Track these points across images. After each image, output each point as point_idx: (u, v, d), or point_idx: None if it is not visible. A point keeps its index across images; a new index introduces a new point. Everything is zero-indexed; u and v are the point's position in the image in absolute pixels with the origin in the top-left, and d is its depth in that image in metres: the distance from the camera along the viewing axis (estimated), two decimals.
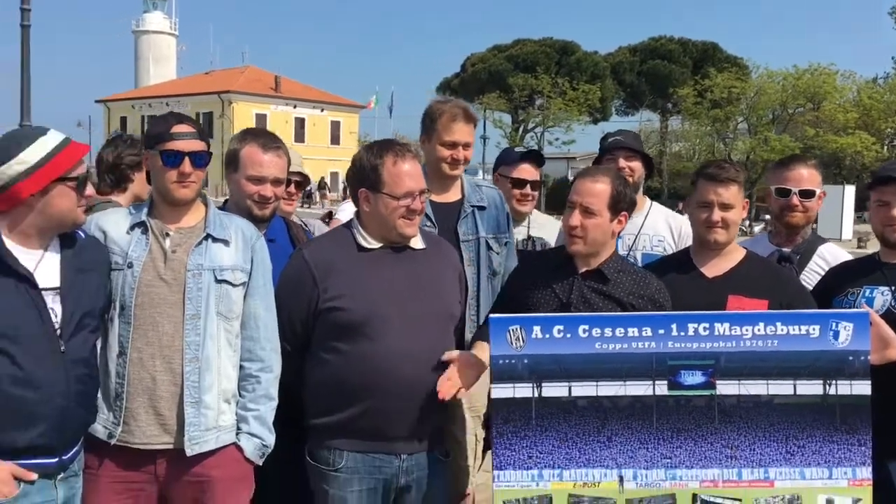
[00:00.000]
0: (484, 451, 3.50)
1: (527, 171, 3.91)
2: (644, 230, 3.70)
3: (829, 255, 3.28)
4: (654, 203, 3.86)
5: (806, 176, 3.35)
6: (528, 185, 3.90)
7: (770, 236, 3.49)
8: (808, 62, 45.39)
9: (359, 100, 70.90)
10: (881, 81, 50.54)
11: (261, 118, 63.03)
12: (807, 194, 3.32)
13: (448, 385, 2.67)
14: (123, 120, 67.78)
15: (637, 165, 3.71)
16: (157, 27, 78.07)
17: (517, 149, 4.17)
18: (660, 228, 3.72)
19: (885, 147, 44.95)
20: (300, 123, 65.35)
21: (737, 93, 45.96)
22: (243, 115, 61.74)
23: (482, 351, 2.78)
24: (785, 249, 3.34)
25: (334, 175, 59.05)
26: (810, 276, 3.20)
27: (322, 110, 67.23)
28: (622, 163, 3.66)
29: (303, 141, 61.75)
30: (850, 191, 31.55)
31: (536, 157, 4.00)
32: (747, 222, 32.61)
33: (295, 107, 65.30)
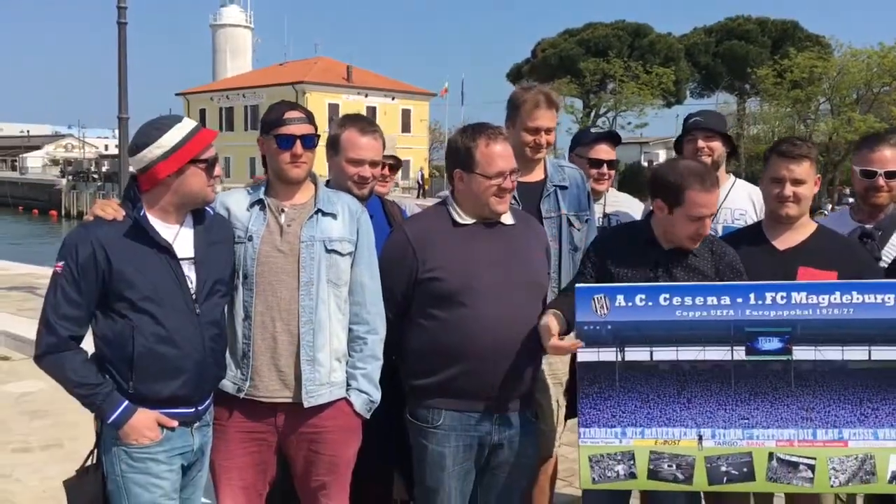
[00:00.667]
0: (566, 418, 3.71)
1: (603, 150, 4.06)
2: (726, 204, 3.80)
3: None
4: (739, 180, 3.97)
5: (890, 157, 3.40)
6: (605, 165, 4.06)
7: (852, 213, 3.58)
8: (894, 39, 43.68)
9: (429, 87, 71.29)
10: None
11: (333, 108, 63.97)
12: (892, 175, 3.39)
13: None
14: (202, 112, 69.70)
15: (717, 145, 3.82)
16: (234, 20, 79.95)
17: (593, 129, 4.33)
18: (742, 202, 3.82)
19: None
20: (371, 112, 65.94)
21: (818, 72, 44.49)
22: (317, 106, 62.69)
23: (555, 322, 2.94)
24: (868, 226, 3.43)
25: (406, 163, 59.62)
26: (893, 251, 3.29)
27: (393, 98, 67.79)
28: (701, 143, 3.78)
29: None
30: None
31: (613, 137, 4.16)
32: (829, 206, 31.68)
33: (366, 96, 66.01)
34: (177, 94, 73.82)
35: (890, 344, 2.69)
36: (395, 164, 3.86)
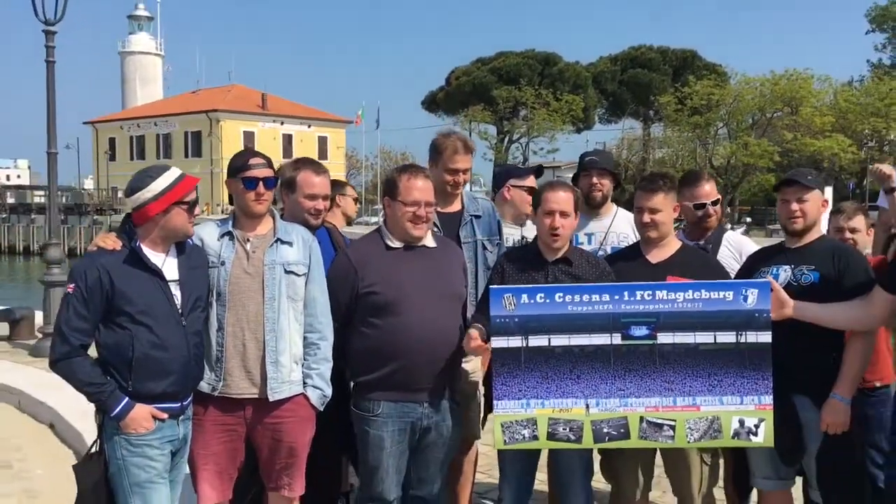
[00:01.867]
0: (486, 410, 4.37)
1: (534, 182, 4.70)
2: (612, 230, 4.56)
3: (733, 240, 4.25)
4: (621, 209, 4.73)
5: (710, 190, 4.32)
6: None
7: (684, 234, 4.37)
8: (785, 68, 46.54)
9: (345, 115, 71.63)
10: (857, 84, 51.88)
11: (249, 136, 63.79)
12: (715, 202, 4.31)
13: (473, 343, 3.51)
14: (112, 141, 68.42)
15: (607, 181, 4.58)
16: (143, 48, 78.74)
17: (521, 165, 5.10)
18: (625, 227, 4.57)
19: (863, 149, 45.96)
20: (287, 140, 66.07)
21: (716, 99, 46.97)
22: (231, 134, 62.50)
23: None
24: (700, 242, 4.27)
25: None
26: (723, 259, 4.12)
27: (309, 126, 67.98)
28: (595, 179, 4.53)
29: (291, 157, 61.87)
30: (828, 191, 32.70)
31: (539, 170, 4.89)
32: (729, 225, 33.56)
33: (282, 123, 66.04)
34: (84, 123, 72.23)
35: (730, 330, 3.43)
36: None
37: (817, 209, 3.65)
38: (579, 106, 53.75)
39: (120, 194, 57.60)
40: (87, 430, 3.49)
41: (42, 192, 58.55)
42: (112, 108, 79.06)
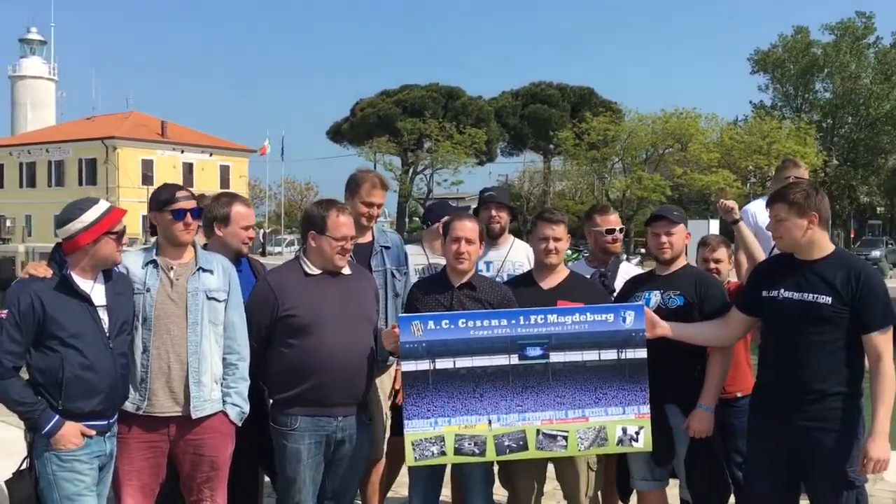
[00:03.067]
0: (393, 429, 4.67)
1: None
2: (508, 258, 5.01)
3: (629, 270, 4.75)
4: (517, 240, 5.18)
5: (616, 220, 4.89)
6: None
7: (587, 262, 4.92)
8: (675, 106, 48.93)
9: (248, 144, 70.79)
10: (741, 123, 55.01)
11: (147, 164, 62.17)
12: (621, 230, 4.84)
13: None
14: (0, 167, 65.55)
15: (504, 214, 5.05)
16: (36, 72, 76.00)
17: (452, 204, 5.53)
18: (520, 257, 5.03)
19: (747, 184, 48.56)
20: (188, 168, 64.73)
21: (612, 135, 48.82)
22: (129, 161, 60.80)
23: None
24: (602, 269, 4.78)
25: None
26: (620, 283, 4.60)
27: (211, 155, 66.77)
28: (493, 212, 5.00)
29: (192, 186, 60.25)
30: (714, 224, 34.42)
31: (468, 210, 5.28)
32: (624, 255, 35.12)
33: (182, 152, 64.65)
34: None
35: (612, 348, 3.88)
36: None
37: (682, 241, 4.17)
38: (482, 139, 54.78)
39: (9, 223, 55.16)
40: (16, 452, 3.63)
41: None
42: (1, 134, 75.77)
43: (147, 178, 58.73)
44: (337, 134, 65.33)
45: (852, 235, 52.91)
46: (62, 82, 79.85)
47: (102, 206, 3.46)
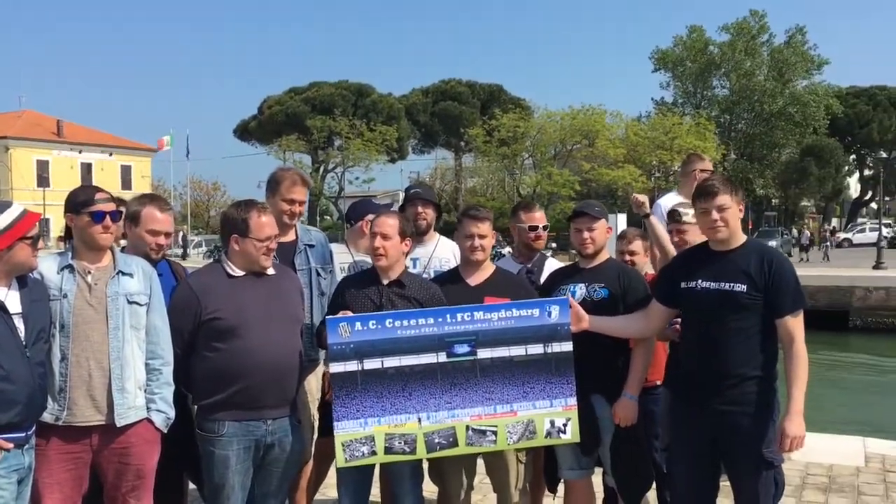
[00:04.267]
0: (320, 430, 4.64)
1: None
2: (434, 255, 5.03)
3: (553, 265, 4.84)
4: (443, 237, 5.21)
5: (541, 216, 4.95)
6: None
7: (513, 257, 5.01)
8: (581, 103, 49.97)
9: (151, 143, 68.73)
10: (644, 120, 56.64)
11: (42, 164, 59.70)
12: (545, 227, 4.92)
13: None
14: None
15: (430, 211, 5.05)
16: None
17: (375, 202, 5.46)
18: (446, 253, 5.06)
19: (652, 178, 50.02)
20: (87, 168, 62.45)
21: (521, 131, 49.50)
22: (23, 162, 58.25)
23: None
24: (528, 265, 4.86)
25: None
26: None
27: (111, 154, 64.60)
28: (420, 209, 4.99)
29: None
30: (622, 218, 35.36)
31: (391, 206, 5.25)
32: (550, 251, 35.65)
33: (80, 152, 62.33)
34: None
35: (538, 342, 3.95)
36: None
37: (604, 235, 4.28)
38: (393, 136, 54.75)
39: None
40: None
41: None
42: None
43: (43, 180, 56.40)
44: (244, 132, 64.23)
45: (750, 227, 55.22)
46: None
47: (16, 209, 3.31)
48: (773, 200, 64.73)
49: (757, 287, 3.61)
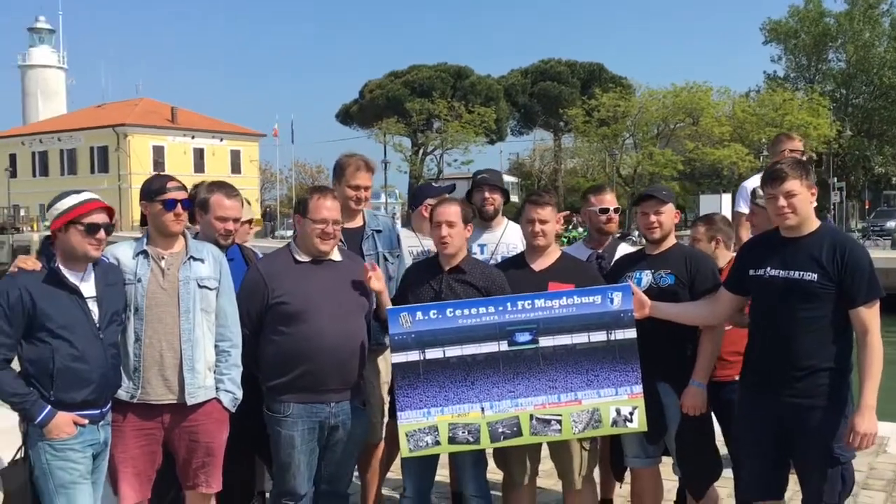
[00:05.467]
0: (390, 413, 4.71)
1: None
2: (502, 240, 5.00)
3: (625, 250, 4.72)
4: (511, 222, 5.16)
5: (612, 199, 4.85)
6: None
7: (585, 243, 4.92)
8: (685, 80, 48.46)
9: (258, 128, 70.85)
10: (753, 95, 54.50)
11: (158, 150, 62.30)
12: (616, 210, 4.82)
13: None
14: (13, 157, 65.68)
15: (497, 196, 5.00)
16: (45, 61, 75.99)
17: (435, 185, 5.49)
18: (514, 239, 5.00)
19: (760, 157, 48.21)
20: (199, 154, 64.82)
21: (622, 111, 48.54)
22: (140, 148, 60.96)
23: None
24: (599, 251, 4.78)
25: None
26: None
27: (221, 140, 66.72)
28: (487, 194, 4.96)
29: (203, 171, 61.06)
30: (726, 198, 34.22)
31: (453, 190, 5.24)
32: (636, 231, 34.93)
33: (193, 137, 64.65)
34: None
35: (600, 329, 3.87)
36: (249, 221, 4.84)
37: (671, 220, 4.16)
38: (491, 118, 54.60)
39: (23, 212, 55.55)
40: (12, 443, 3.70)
41: None
42: (12, 124, 76.07)
43: (158, 165, 58.94)
44: (346, 116, 65.31)
45: (867, 207, 52.46)
46: (72, 70, 79.91)
47: (82, 196, 3.49)
48: (893, 179, 61.12)
49: (829, 276, 3.43)
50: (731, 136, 45.92)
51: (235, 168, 66.01)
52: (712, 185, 49.98)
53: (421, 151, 58.59)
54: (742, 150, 45.31)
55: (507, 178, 66.62)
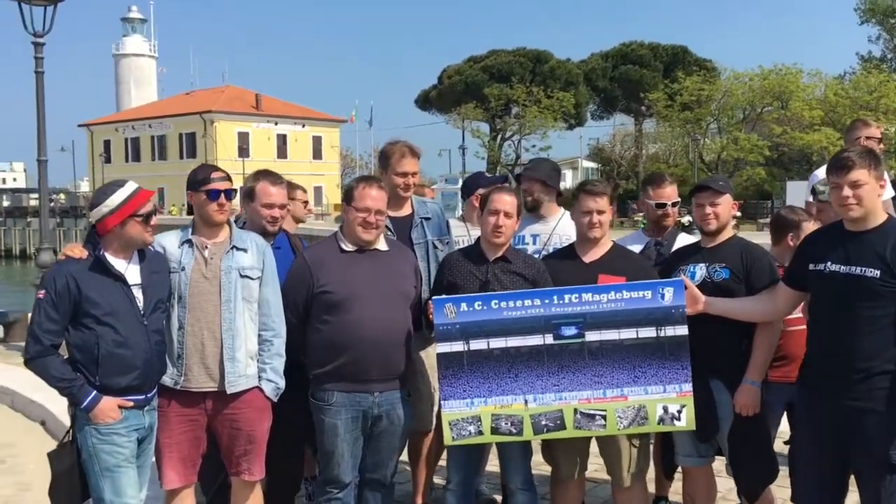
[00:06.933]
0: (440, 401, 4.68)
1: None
2: (556, 231, 4.87)
3: (685, 240, 4.56)
4: (567, 212, 5.03)
5: (671, 192, 4.68)
6: None
7: (644, 232, 4.79)
8: (773, 63, 46.77)
9: (340, 114, 71.68)
10: (847, 78, 52.16)
11: (243, 136, 63.84)
12: (674, 204, 4.68)
13: None
14: (107, 143, 68.53)
15: (537, 187, 4.82)
16: (137, 50, 78.87)
17: (487, 174, 5.42)
18: (569, 230, 4.86)
19: None
20: (282, 140, 66.15)
21: (706, 95, 47.26)
22: (226, 134, 62.60)
23: None
24: (658, 239, 4.64)
25: (318, 189, 59.80)
26: None
27: (303, 126, 67.91)
28: (525, 185, 4.84)
29: (286, 157, 62.51)
30: None
31: (506, 180, 5.19)
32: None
33: (276, 124, 65.97)
34: (79, 126, 72.30)
35: (650, 325, 3.75)
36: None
37: (728, 212, 3.98)
38: (570, 103, 53.92)
39: None
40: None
41: (38, 196, 58.77)
42: (107, 111, 79.08)
43: (243, 151, 60.37)
44: (425, 102, 65.49)
45: None
46: (162, 59, 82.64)
47: (129, 188, 3.55)
48: None
49: (893, 273, 3.20)
50: (822, 121, 44.08)
51: (317, 154, 67.12)
52: (801, 172, 48.12)
53: (499, 137, 58.33)
54: (834, 135, 43.37)
55: (587, 164, 65.97)
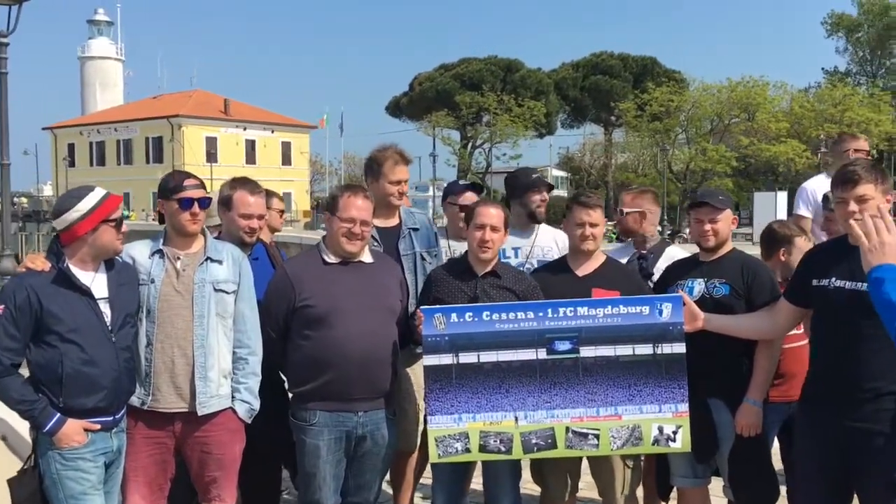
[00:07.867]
0: (425, 420, 4.49)
1: (469, 198, 4.80)
2: (536, 244, 4.71)
3: (673, 253, 4.43)
4: (543, 225, 4.82)
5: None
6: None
7: (632, 243, 4.62)
8: (741, 75, 47.33)
9: (309, 120, 71.19)
10: (812, 91, 52.99)
11: (211, 141, 63.08)
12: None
13: None
14: (71, 147, 67.28)
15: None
16: (103, 53, 77.50)
17: (461, 181, 5.24)
18: (548, 242, 4.72)
19: (818, 154, 46.90)
20: (251, 145, 65.48)
21: (675, 105, 47.69)
22: (194, 139, 61.80)
23: None
24: (643, 251, 4.50)
25: (287, 195, 59.22)
26: (660, 270, 4.30)
27: (272, 132, 67.31)
28: (546, 195, 4.70)
29: (254, 163, 61.81)
30: (782, 196, 33.19)
31: (477, 188, 5.04)
32: (688, 230, 34.38)
33: (245, 129, 65.32)
34: (43, 129, 70.99)
35: (647, 342, 3.60)
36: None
37: (728, 227, 3.84)
38: (541, 112, 54.08)
39: None
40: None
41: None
42: (71, 114, 77.76)
43: (211, 156, 59.66)
44: (396, 108, 65.34)
45: None
46: (129, 62, 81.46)
47: (99, 193, 3.32)
48: None
49: None
50: (788, 133, 44.72)
51: (286, 159, 66.51)
52: (767, 183, 48.79)
53: (470, 145, 58.32)
54: (799, 147, 44.17)
55: (557, 173, 66.19)
